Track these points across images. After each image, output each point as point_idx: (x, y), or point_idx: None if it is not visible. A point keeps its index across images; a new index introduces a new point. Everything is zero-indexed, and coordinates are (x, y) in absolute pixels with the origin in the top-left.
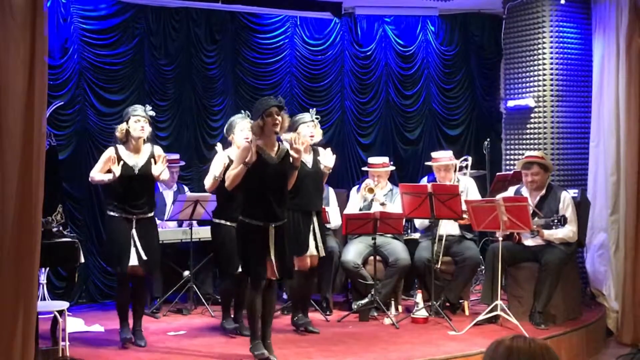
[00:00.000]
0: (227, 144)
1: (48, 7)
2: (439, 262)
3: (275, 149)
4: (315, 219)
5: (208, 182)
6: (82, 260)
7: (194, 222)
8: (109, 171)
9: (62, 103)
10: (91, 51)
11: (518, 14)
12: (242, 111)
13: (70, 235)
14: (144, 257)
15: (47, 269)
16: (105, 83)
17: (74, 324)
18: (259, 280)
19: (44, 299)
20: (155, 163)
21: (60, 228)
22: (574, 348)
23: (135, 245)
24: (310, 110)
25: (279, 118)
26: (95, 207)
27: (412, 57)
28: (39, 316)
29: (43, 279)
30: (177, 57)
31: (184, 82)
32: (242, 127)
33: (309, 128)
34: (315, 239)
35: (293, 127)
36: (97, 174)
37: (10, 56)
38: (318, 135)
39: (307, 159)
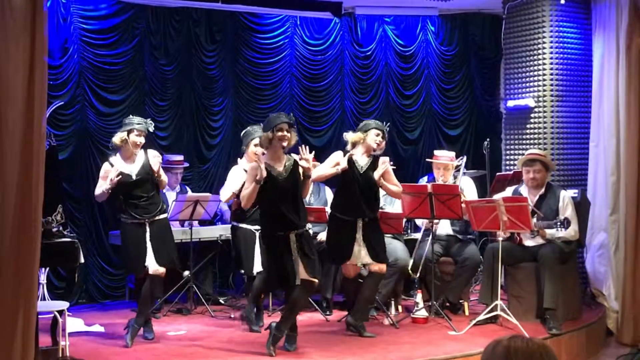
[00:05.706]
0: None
1: (48, 7)
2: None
3: (283, 162)
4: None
5: (225, 195)
6: (82, 260)
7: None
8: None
9: (62, 103)
10: (91, 51)
11: (518, 14)
12: (261, 124)
13: (70, 235)
14: (159, 259)
15: (47, 269)
16: (105, 83)
17: (74, 324)
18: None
19: (44, 299)
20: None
21: (60, 228)
22: (574, 348)
23: (150, 249)
24: (385, 123)
25: (288, 134)
26: (95, 207)
27: (412, 57)
28: (39, 316)
29: (43, 279)
30: (177, 57)
31: (184, 82)
32: (256, 142)
33: (379, 137)
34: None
35: (364, 129)
36: (98, 188)
37: (10, 56)
38: (383, 146)
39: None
